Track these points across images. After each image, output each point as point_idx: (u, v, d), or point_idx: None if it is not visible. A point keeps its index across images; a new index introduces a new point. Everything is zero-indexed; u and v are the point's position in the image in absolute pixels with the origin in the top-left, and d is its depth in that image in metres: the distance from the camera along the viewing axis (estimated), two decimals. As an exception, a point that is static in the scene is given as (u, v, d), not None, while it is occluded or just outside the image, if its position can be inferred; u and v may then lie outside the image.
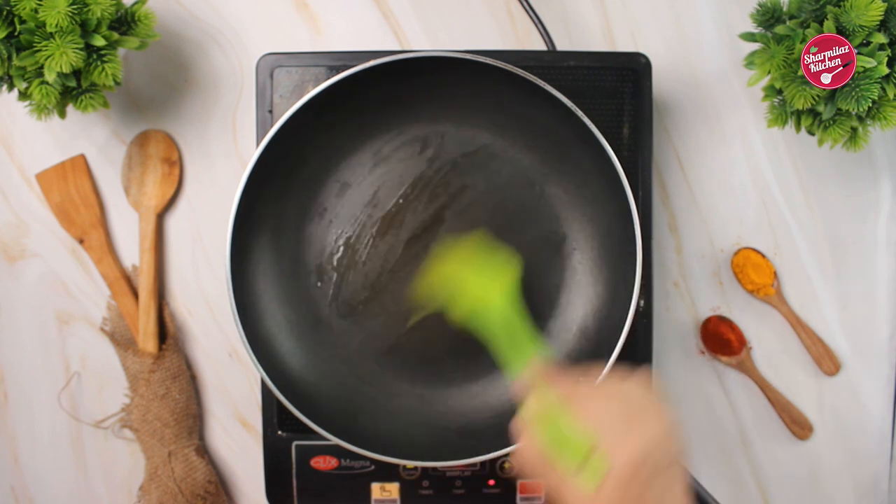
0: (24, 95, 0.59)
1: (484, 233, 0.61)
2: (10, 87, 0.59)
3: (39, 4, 0.56)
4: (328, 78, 0.58)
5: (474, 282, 0.54)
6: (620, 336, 0.58)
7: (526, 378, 0.50)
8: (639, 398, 0.47)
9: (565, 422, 0.46)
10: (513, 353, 0.51)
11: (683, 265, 0.71)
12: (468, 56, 0.58)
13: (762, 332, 0.71)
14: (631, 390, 0.48)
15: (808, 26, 0.57)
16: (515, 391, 0.50)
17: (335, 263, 0.65)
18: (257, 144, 0.60)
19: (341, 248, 0.65)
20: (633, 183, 0.60)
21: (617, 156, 0.58)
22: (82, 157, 0.70)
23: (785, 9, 0.59)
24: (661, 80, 0.70)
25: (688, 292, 0.71)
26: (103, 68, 0.59)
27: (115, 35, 0.59)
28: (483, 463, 0.65)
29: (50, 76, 0.56)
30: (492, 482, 0.66)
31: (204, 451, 0.71)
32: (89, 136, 0.71)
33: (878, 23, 0.55)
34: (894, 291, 0.71)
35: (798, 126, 0.61)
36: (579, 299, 0.64)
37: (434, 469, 0.65)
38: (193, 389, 0.71)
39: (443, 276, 0.56)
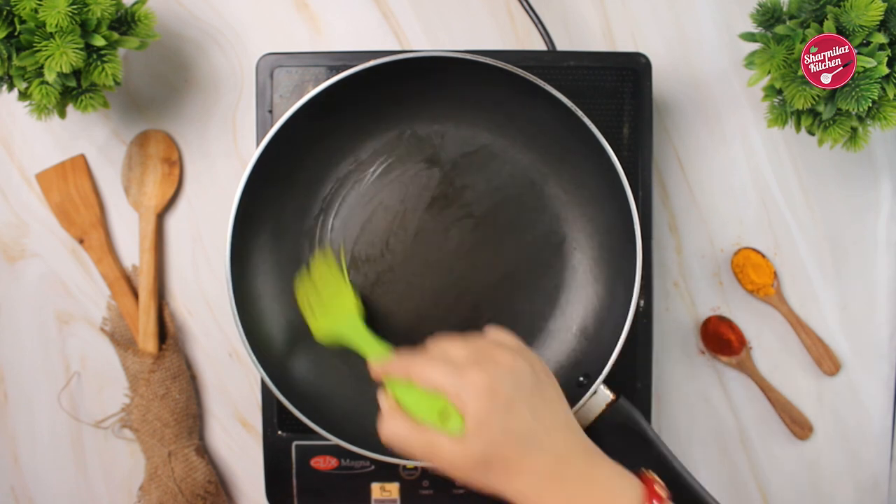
0: (24, 95, 0.59)
1: (328, 255, 0.64)
2: (10, 87, 0.59)
3: (39, 4, 0.56)
4: (328, 78, 0.58)
5: (321, 311, 0.61)
6: (620, 336, 0.58)
7: (377, 371, 0.52)
8: (467, 347, 0.49)
9: (415, 392, 0.48)
10: (366, 354, 0.56)
11: (683, 265, 0.71)
12: (468, 56, 0.58)
13: (762, 332, 0.71)
14: (456, 345, 0.49)
15: (808, 26, 0.57)
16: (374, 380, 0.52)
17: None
18: (257, 144, 0.60)
19: (341, 248, 0.65)
20: (633, 183, 0.60)
21: (617, 156, 0.58)
22: (82, 157, 0.70)
23: (785, 9, 0.59)
24: (661, 80, 0.70)
25: (688, 292, 0.71)
26: (103, 68, 0.59)
27: (115, 35, 0.59)
28: (483, 463, 0.65)
29: (50, 76, 0.56)
30: (492, 482, 0.65)
31: (204, 451, 0.71)
32: (89, 136, 0.71)
33: (878, 23, 0.55)
34: (894, 291, 0.71)
35: (798, 126, 0.61)
36: (579, 299, 0.64)
37: (434, 469, 0.65)
38: (193, 389, 0.71)
39: (300, 303, 0.62)
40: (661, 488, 0.46)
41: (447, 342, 0.49)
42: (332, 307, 0.61)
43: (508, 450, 0.45)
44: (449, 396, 0.46)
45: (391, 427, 0.48)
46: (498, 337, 0.51)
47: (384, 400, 0.50)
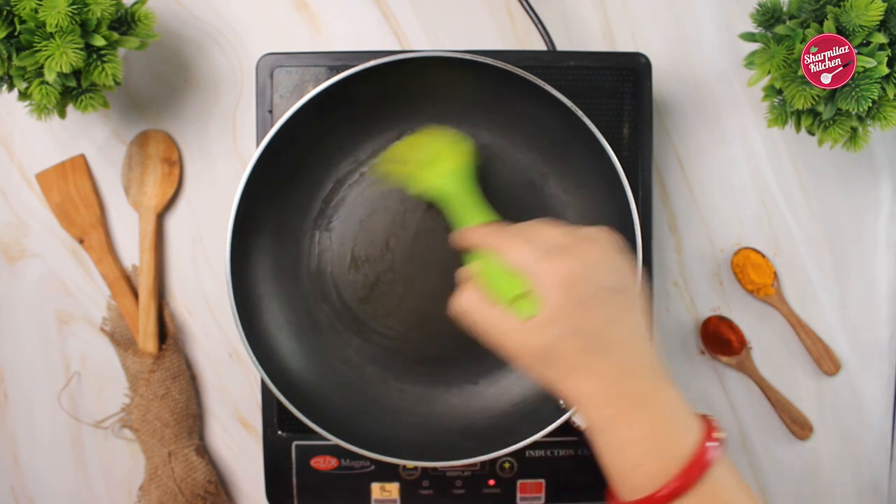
0: (24, 95, 0.59)
1: (438, 126, 0.63)
2: (10, 87, 0.59)
3: (39, 4, 0.56)
4: (328, 78, 0.58)
5: (429, 161, 0.59)
6: (620, 336, 0.58)
7: (468, 237, 0.51)
8: (563, 235, 0.47)
9: (498, 268, 0.47)
10: (462, 218, 0.55)
11: (683, 265, 0.71)
12: (468, 56, 0.58)
13: (762, 332, 0.71)
14: (552, 229, 0.47)
15: (808, 26, 0.57)
16: (461, 246, 0.52)
17: (335, 263, 0.65)
18: (257, 144, 0.60)
19: (341, 248, 0.65)
20: (633, 183, 0.60)
21: (617, 156, 0.58)
22: (82, 157, 0.70)
23: (785, 9, 0.59)
24: (661, 80, 0.70)
25: (688, 292, 0.71)
26: (103, 68, 0.59)
27: (115, 35, 0.59)
28: (483, 463, 0.65)
29: (50, 76, 0.56)
30: (492, 482, 0.66)
31: (204, 451, 0.71)
32: (89, 136, 0.71)
33: (878, 23, 0.55)
34: (894, 291, 0.71)
35: (798, 126, 0.61)
36: (579, 299, 0.64)
37: (434, 469, 0.65)
38: (193, 389, 0.71)
39: (405, 156, 0.61)
40: (719, 432, 0.43)
41: (546, 224, 0.47)
42: (442, 162, 0.58)
43: (573, 348, 0.43)
44: (529, 279, 0.44)
45: (465, 299, 0.47)
46: (600, 234, 0.47)
47: (465, 271, 0.48)
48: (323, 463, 0.65)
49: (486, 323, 0.46)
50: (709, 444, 0.42)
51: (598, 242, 0.46)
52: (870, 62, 0.55)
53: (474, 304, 0.47)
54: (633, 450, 0.42)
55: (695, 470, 0.41)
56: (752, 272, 0.70)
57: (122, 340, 0.70)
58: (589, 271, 0.44)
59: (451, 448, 0.60)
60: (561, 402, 0.61)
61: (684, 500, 0.41)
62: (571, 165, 0.63)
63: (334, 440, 0.59)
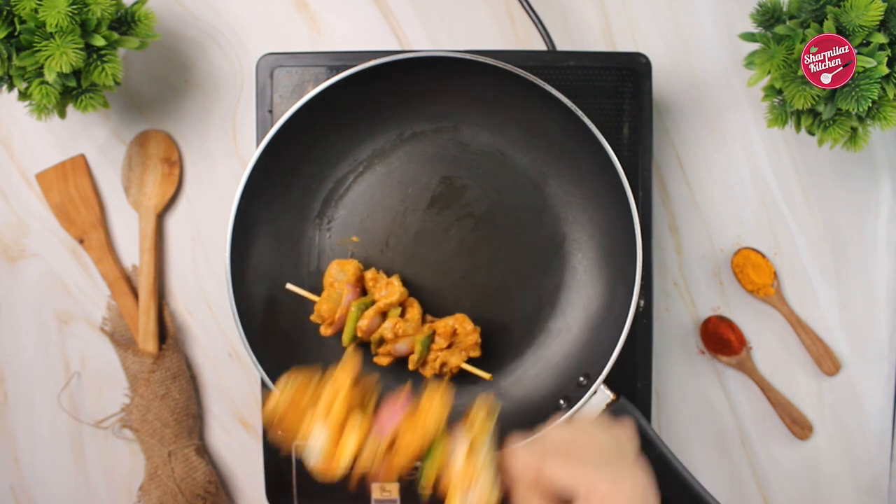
0: (24, 95, 0.59)
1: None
2: (10, 87, 0.59)
3: (39, 4, 0.56)
4: (328, 78, 0.58)
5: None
6: (620, 336, 0.58)
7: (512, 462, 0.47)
8: (605, 448, 0.46)
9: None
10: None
11: (683, 265, 0.71)
12: (468, 56, 0.58)
13: (762, 332, 0.71)
14: (595, 440, 0.47)
15: (808, 26, 0.57)
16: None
17: (335, 263, 0.65)
18: (257, 144, 0.60)
19: (341, 248, 0.65)
20: (633, 183, 0.60)
21: (617, 156, 0.58)
22: (82, 157, 0.70)
23: (785, 9, 0.59)
24: (661, 80, 0.70)
25: (688, 292, 0.71)
26: (103, 68, 0.59)
27: (115, 35, 0.59)
28: (483, 463, 0.65)
29: (50, 76, 0.56)
30: (492, 482, 0.65)
31: (204, 451, 0.71)
32: (89, 136, 0.71)
33: (878, 23, 0.55)
34: (894, 291, 0.71)
35: (798, 126, 0.61)
36: (579, 299, 0.64)
37: (434, 469, 0.65)
38: (193, 389, 0.71)
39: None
40: None
41: (589, 435, 0.47)
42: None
43: None
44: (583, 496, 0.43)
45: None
46: (625, 447, 0.48)
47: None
48: (323, 463, 0.65)
49: None
50: None
51: (632, 460, 0.46)
52: (870, 62, 0.55)
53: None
54: None
55: None
56: (752, 272, 0.70)
57: (122, 340, 0.70)
58: (639, 496, 0.44)
59: (451, 448, 0.60)
60: (561, 401, 0.61)
61: None
62: (571, 165, 0.63)
63: (334, 440, 0.59)
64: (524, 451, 0.46)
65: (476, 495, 0.45)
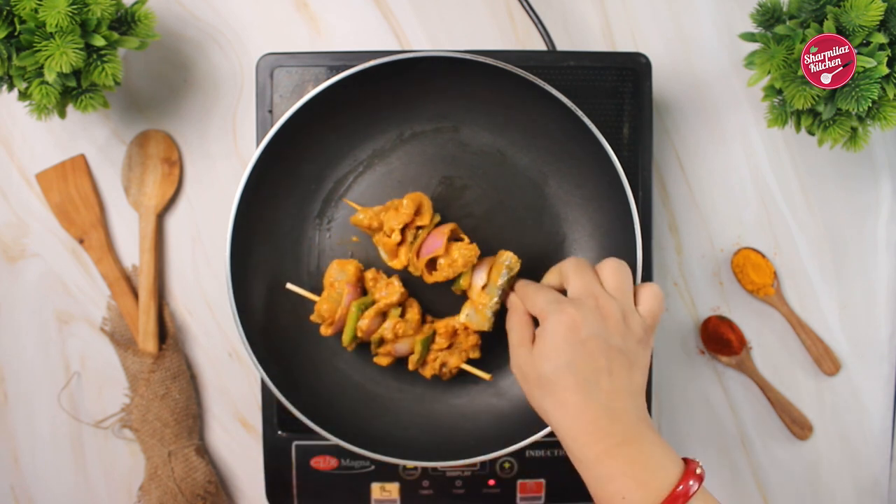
0: (24, 95, 0.59)
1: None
2: (10, 87, 0.59)
3: (39, 4, 0.56)
4: (328, 78, 0.58)
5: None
6: (620, 336, 0.58)
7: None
8: (583, 287, 0.53)
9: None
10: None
11: (683, 265, 0.71)
12: (468, 56, 0.58)
13: (762, 332, 0.71)
14: (579, 279, 0.53)
15: (808, 26, 0.57)
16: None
17: (335, 263, 0.65)
18: (257, 144, 0.60)
19: (341, 248, 0.65)
20: (633, 183, 0.60)
21: (617, 156, 0.58)
22: (82, 157, 0.70)
23: (785, 9, 0.59)
24: (661, 80, 0.70)
25: (688, 292, 0.71)
26: (103, 68, 0.59)
27: (115, 35, 0.59)
28: (483, 463, 0.65)
29: (50, 76, 0.56)
30: (492, 482, 0.66)
31: (204, 451, 0.71)
32: (89, 136, 0.71)
33: (878, 23, 0.55)
34: (894, 291, 0.71)
35: (798, 126, 0.61)
36: (579, 299, 0.64)
37: (434, 469, 0.65)
38: (193, 389, 0.71)
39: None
40: (700, 470, 0.47)
41: (574, 268, 0.53)
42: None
43: (566, 382, 0.48)
44: (541, 320, 0.52)
45: (509, 318, 0.56)
46: (622, 295, 0.52)
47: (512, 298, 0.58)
48: (323, 463, 0.65)
49: (511, 342, 0.55)
50: (690, 481, 0.46)
51: (618, 303, 0.51)
52: (870, 62, 0.55)
53: (509, 325, 0.56)
54: (617, 483, 0.46)
55: (675, 501, 0.45)
56: (752, 272, 0.70)
57: (122, 340, 0.70)
58: (593, 322, 0.50)
59: (450, 448, 0.60)
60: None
61: None
62: (571, 165, 0.63)
63: (334, 440, 0.59)
64: (520, 284, 0.57)
65: (480, 309, 0.60)
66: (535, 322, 0.54)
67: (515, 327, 0.55)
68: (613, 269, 0.53)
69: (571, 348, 0.49)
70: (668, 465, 0.47)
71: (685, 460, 0.48)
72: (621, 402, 0.48)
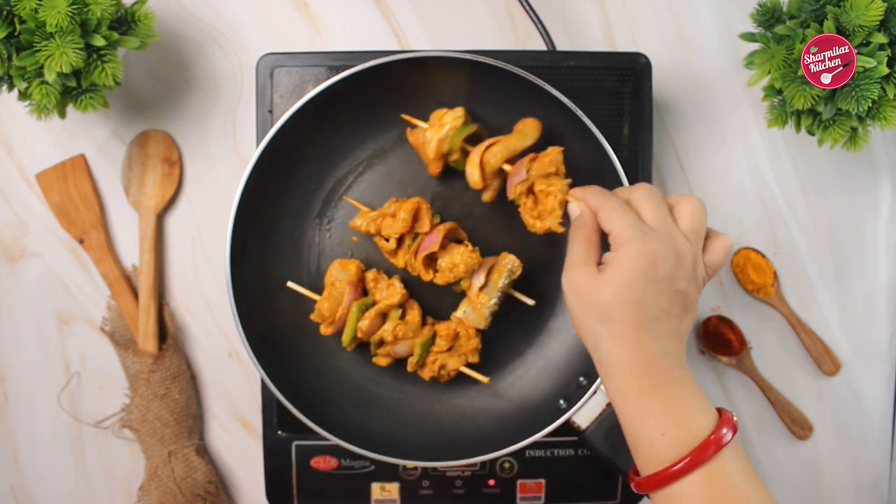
0: (24, 95, 0.59)
1: None
2: (10, 87, 0.59)
3: (39, 4, 0.56)
4: (328, 78, 0.58)
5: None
6: (620, 336, 0.58)
7: (576, 194, 0.55)
8: (660, 216, 0.50)
9: None
10: None
11: (683, 265, 0.71)
12: (469, 56, 0.58)
13: (762, 332, 0.71)
14: (653, 204, 0.50)
15: (808, 26, 0.57)
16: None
17: (335, 263, 0.65)
18: (257, 144, 0.60)
19: (341, 248, 0.65)
20: (633, 183, 0.60)
21: (617, 156, 0.58)
22: (82, 157, 0.70)
23: (785, 9, 0.59)
24: (661, 80, 0.70)
25: (688, 292, 0.71)
26: (103, 68, 0.59)
27: (115, 35, 0.59)
28: (483, 463, 0.65)
29: (50, 76, 0.56)
30: (492, 482, 0.66)
31: (204, 451, 0.71)
32: (89, 136, 0.71)
33: (878, 23, 0.55)
34: (894, 291, 0.71)
35: (798, 126, 0.61)
36: (579, 299, 0.64)
37: (434, 469, 0.65)
38: (193, 389, 0.71)
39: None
40: (733, 419, 0.47)
41: (648, 197, 0.50)
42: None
43: (629, 316, 0.47)
44: (618, 243, 0.48)
45: (573, 230, 0.53)
46: (696, 230, 0.50)
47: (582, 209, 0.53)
48: (323, 463, 0.65)
49: (568, 261, 0.51)
50: (725, 429, 0.46)
51: (692, 249, 0.50)
52: (870, 62, 0.55)
53: (575, 237, 0.52)
54: (659, 418, 0.46)
55: (708, 447, 0.45)
56: (752, 272, 0.70)
57: (122, 340, 0.70)
58: (671, 263, 0.48)
59: (451, 448, 0.60)
60: (561, 401, 0.61)
61: (695, 477, 0.45)
62: (572, 165, 0.63)
63: (334, 440, 0.59)
64: (594, 193, 0.53)
65: (478, 308, 0.60)
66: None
67: (581, 242, 0.51)
68: (692, 210, 0.50)
69: (646, 286, 0.47)
70: (707, 409, 0.47)
71: (719, 410, 0.48)
72: (672, 343, 0.48)
